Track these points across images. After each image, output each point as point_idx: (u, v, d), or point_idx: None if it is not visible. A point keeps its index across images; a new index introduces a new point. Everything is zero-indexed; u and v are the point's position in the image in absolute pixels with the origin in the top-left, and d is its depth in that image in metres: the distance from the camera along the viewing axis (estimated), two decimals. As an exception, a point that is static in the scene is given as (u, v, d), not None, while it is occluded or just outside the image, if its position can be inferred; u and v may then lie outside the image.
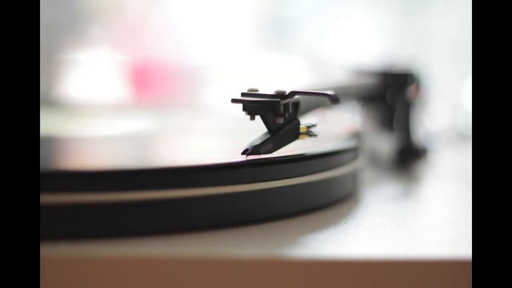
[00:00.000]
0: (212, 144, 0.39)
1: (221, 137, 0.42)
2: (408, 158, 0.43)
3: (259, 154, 0.28)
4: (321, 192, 0.31)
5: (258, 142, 0.28)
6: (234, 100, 0.28)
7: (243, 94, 0.29)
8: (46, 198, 0.24)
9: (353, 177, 0.34)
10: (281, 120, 0.29)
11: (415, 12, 0.89)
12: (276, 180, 0.28)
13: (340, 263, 0.24)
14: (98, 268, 0.24)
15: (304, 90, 0.29)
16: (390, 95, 0.45)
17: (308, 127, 0.30)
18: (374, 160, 0.45)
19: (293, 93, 0.29)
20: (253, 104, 0.28)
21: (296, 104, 0.30)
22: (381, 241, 0.27)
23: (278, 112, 0.28)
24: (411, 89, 0.45)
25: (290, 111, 0.29)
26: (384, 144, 0.45)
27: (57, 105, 0.64)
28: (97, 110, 0.58)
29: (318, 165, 0.30)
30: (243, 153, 0.28)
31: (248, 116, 0.29)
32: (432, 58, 0.82)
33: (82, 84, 0.91)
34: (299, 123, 0.30)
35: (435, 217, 0.32)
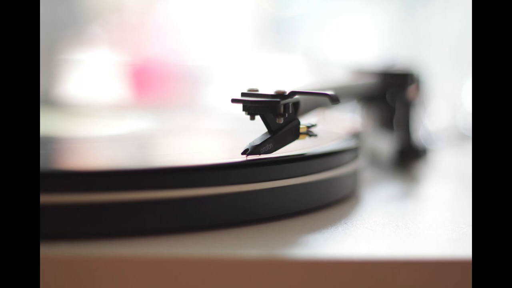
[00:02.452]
0: (212, 144, 0.39)
1: (221, 137, 0.42)
2: (408, 158, 0.43)
3: (259, 154, 0.28)
4: (321, 192, 0.31)
5: (258, 142, 0.28)
6: (234, 100, 0.28)
7: (243, 94, 0.29)
8: (46, 198, 0.24)
9: (353, 177, 0.34)
10: (281, 120, 0.29)
11: (415, 12, 0.89)
12: (276, 180, 0.28)
13: (340, 263, 0.24)
14: (98, 268, 0.24)
15: (304, 90, 0.29)
16: (390, 95, 0.45)
17: (308, 127, 0.30)
18: (374, 160, 0.45)
19: (293, 93, 0.29)
20: (253, 104, 0.28)
21: (296, 104, 0.30)
22: (381, 241, 0.27)
23: (278, 112, 0.28)
24: (411, 89, 0.45)
25: (290, 111, 0.29)
26: (384, 144, 0.45)
27: (57, 105, 0.64)
28: (97, 110, 0.58)
29: (318, 165, 0.30)
30: (243, 153, 0.28)
31: (248, 116, 0.29)
32: (432, 58, 0.82)
33: (82, 84, 0.91)
34: (299, 123, 0.30)
35: (435, 217, 0.32)
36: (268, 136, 0.29)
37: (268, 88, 0.29)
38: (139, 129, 0.45)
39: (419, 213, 0.33)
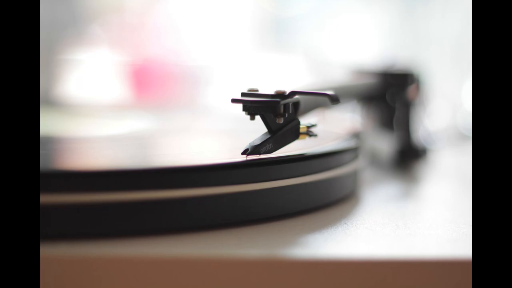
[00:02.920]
0: (212, 144, 0.39)
1: (221, 137, 0.42)
2: (408, 158, 0.43)
3: (259, 154, 0.28)
4: (321, 192, 0.31)
5: (258, 142, 0.28)
6: (234, 100, 0.28)
7: (243, 94, 0.29)
8: (46, 198, 0.24)
9: (353, 177, 0.34)
10: (281, 120, 0.29)
11: (415, 12, 0.89)
12: (276, 180, 0.28)
13: (340, 263, 0.24)
14: (98, 268, 0.24)
15: (304, 90, 0.29)
16: (390, 95, 0.45)
17: (308, 127, 0.30)
18: (374, 160, 0.45)
19: (293, 93, 0.29)
20: (253, 104, 0.28)
21: (296, 104, 0.30)
22: (381, 241, 0.27)
23: (278, 112, 0.28)
24: (411, 89, 0.45)
25: (290, 111, 0.29)
26: (384, 144, 0.45)
27: (57, 105, 0.64)
28: (97, 110, 0.58)
29: (318, 165, 0.30)
30: (243, 153, 0.28)
31: (248, 116, 0.29)
32: (432, 58, 0.82)
33: (82, 84, 0.91)
34: (299, 123, 0.30)
35: (435, 217, 0.32)
36: (268, 136, 0.29)
37: (268, 88, 0.29)
38: (139, 129, 0.45)
39: (419, 213, 0.33)
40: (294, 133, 0.29)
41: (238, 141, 0.35)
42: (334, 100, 0.28)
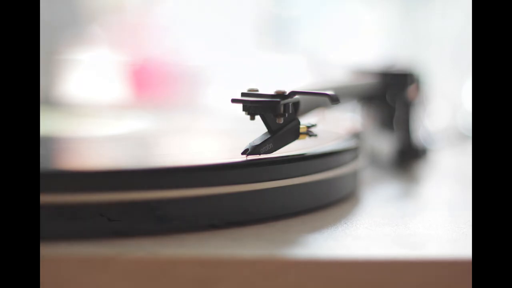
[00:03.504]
0: (212, 144, 0.39)
1: (221, 137, 0.42)
2: (408, 158, 0.43)
3: (259, 154, 0.28)
4: (321, 192, 0.31)
5: (258, 142, 0.28)
6: (234, 100, 0.28)
7: (243, 94, 0.29)
8: (46, 198, 0.24)
9: (353, 177, 0.34)
10: (281, 120, 0.29)
11: (415, 12, 0.89)
12: (276, 180, 0.28)
13: (340, 263, 0.24)
14: (98, 268, 0.24)
15: (304, 90, 0.29)
16: (390, 95, 0.45)
17: (308, 127, 0.30)
18: (374, 160, 0.45)
19: (293, 93, 0.29)
20: (253, 104, 0.28)
21: (296, 104, 0.30)
22: (381, 241, 0.27)
23: (278, 112, 0.28)
24: (411, 89, 0.45)
25: (290, 111, 0.29)
26: (384, 144, 0.45)
27: (57, 105, 0.64)
28: (97, 110, 0.58)
29: (318, 165, 0.30)
30: (243, 153, 0.28)
31: (248, 116, 0.29)
32: (432, 58, 0.82)
33: (82, 84, 0.91)
34: (299, 123, 0.30)
35: (435, 217, 0.32)
36: (268, 136, 0.29)
37: (268, 88, 0.29)
38: (139, 129, 0.45)
39: (419, 213, 0.33)
40: (294, 133, 0.30)
41: (238, 141, 0.35)
42: (334, 100, 0.28)
